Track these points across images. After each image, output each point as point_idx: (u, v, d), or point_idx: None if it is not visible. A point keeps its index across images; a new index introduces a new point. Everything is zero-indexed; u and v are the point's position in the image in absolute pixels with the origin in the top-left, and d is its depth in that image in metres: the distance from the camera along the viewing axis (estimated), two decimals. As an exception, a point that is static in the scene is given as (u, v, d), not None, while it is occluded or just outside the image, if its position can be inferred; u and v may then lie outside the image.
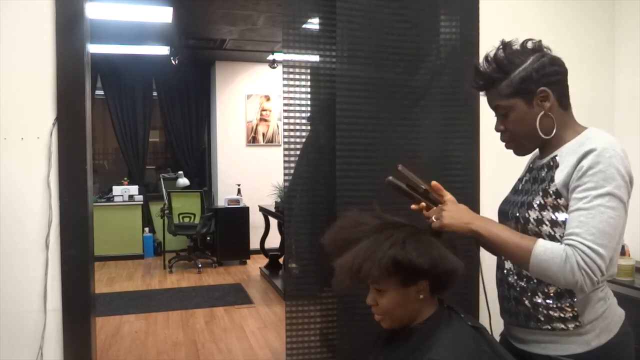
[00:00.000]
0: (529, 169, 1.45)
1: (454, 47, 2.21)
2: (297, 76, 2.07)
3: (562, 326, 1.28)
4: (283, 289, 5.10)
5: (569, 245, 1.17)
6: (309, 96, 2.11)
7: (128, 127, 7.34)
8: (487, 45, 2.28)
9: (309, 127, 2.14)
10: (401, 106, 2.13)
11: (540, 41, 1.39)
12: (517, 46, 1.35)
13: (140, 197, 7.05)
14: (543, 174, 1.33)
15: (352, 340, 2.06)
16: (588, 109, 2.53)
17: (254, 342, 3.96)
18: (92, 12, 3.98)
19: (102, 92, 7.24)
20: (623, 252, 2.32)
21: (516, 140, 1.36)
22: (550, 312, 1.29)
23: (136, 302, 5.00)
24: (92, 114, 2.28)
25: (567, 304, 1.28)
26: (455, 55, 2.20)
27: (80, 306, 1.93)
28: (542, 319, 1.31)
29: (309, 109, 2.12)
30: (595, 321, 1.28)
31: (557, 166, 1.29)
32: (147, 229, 7.18)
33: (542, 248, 1.18)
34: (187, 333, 4.16)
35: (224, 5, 4.70)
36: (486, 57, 1.35)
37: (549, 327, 1.30)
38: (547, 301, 1.30)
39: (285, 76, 2.06)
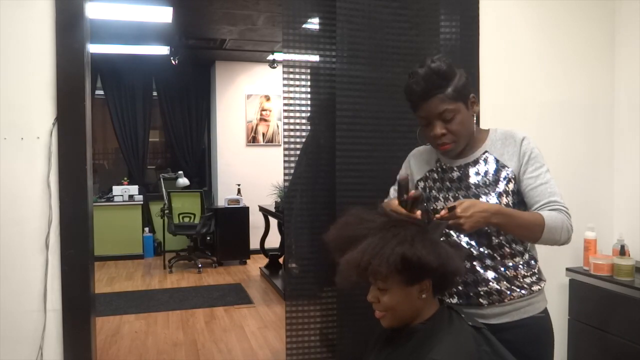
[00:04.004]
0: (449, 169, 1.56)
1: (454, 47, 2.21)
2: (297, 76, 2.07)
3: (534, 288, 1.50)
4: (283, 289, 5.11)
5: (556, 209, 1.44)
6: (309, 96, 2.11)
7: (128, 127, 7.34)
8: (487, 45, 2.31)
9: (309, 127, 2.14)
10: (401, 106, 2.11)
11: None
12: (443, 60, 1.45)
13: (140, 197, 7.05)
14: (487, 168, 1.51)
15: (352, 340, 2.06)
16: (588, 109, 2.54)
17: (254, 342, 3.96)
18: (92, 12, 3.98)
19: (102, 92, 7.24)
20: (623, 252, 2.32)
21: (457, 142, 1.49)
22: (527, 279, 1.50)
23: (136, 302, 5.00)
24: (92, 114, 2.28)
25: (536, 269, 1.53)
26: (455, 55, 2.20)
27: (80, 306, 1.93)
28: (519, 286, 1.49)
29: (309, 109, 2.12)
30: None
31: (495, 159, 1.51)
32: (147, 229, 7.18)
33: (549, 219, 1.41)
34: (187, 333, 4.16)
35: (224, 5, 4.70)
36: (425, 68, 1.43)
37: (523, 294, 1.49)
38: (521, 270, 1.50)
39: (285, 76, 2.06)
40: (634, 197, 2.50)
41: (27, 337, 1.88)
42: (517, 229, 1.42)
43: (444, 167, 1.59)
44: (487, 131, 1.58)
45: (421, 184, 1.63)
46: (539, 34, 2.44)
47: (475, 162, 1.54)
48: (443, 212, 1.35)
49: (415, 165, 1.68)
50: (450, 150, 1.51)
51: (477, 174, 1.52)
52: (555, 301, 2.48)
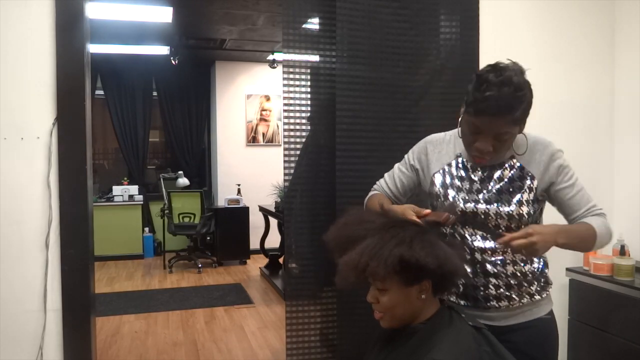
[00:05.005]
0: (473, 168, 1.50)
1: (454, 47, 2.21)
2: (297, 76, 2.08)
3: (543, 295, 1.52)
4: (283, 289, 5.10)
5: (599, 215, 1.47)
6: (309, 96, 2.11)
7: (128, 127, 7.34)
8: (487, 45, 2.30)
9: (309, 127, 2.14)
10: (401, 106, 2.13)
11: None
12: (521, 75, 1.36)
13: (140, 197, 7.05)
14: (511, 174, 1.47)
15: (352, 340, 2.06)
16: (588, 109, 2.54)
17: (254, 342, 3.96)
18: (92, 12, 3.98)
19: (102, 92, 7.24)
20: (623, 252, 2.32)
21: (494, 158, 1.45)
22: (536, 285, 1.51)
23: (136, 302, 5.00)
24: (92, 114, 2.28)
25: (545, 275, 1.54)
26: (455, 55, 2.20)
27: (80, 306, 1.93)
28: (529, 293, 1.50)
29: (309, 109, 2.12)
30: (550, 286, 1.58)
31: (521, 167, 1.47)
32: (147, 229, 7.18)
33: (599, 229, 1.43)
34: (187, 333, 4.16)
35: (224, 5, 4.70)
36: (504, 82, 1.31)
37: (532, 300, 1.50)
38: (530, 277, 1.50)
39: (285, 76, 2.07)
40: (634, 197, 2.50)
41: (27, 337, 1.88)
42: (578, 244, 1.43)
43: (467, 165, 1.52)
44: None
45: (438, 178, 1.55)
46: (539, 34, 2.44)
47: (501, 165, 1.49)
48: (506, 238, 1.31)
49: (432, 154, 1.59)
50: (482, 162, 1.46)
51: (500, 178, 1.48)
52: (555, 301, 2.45)
